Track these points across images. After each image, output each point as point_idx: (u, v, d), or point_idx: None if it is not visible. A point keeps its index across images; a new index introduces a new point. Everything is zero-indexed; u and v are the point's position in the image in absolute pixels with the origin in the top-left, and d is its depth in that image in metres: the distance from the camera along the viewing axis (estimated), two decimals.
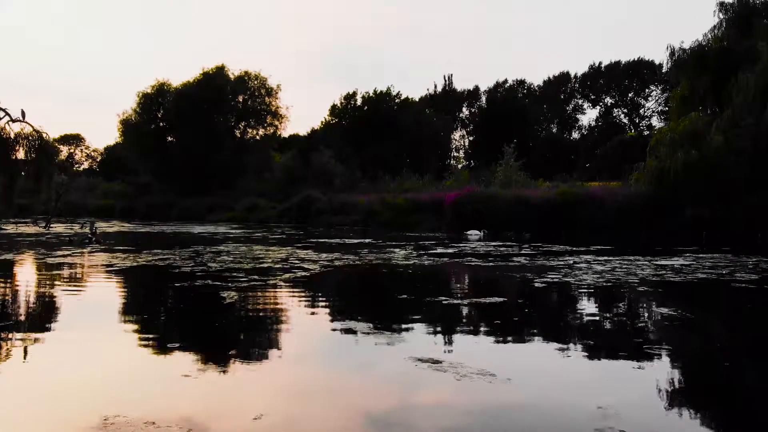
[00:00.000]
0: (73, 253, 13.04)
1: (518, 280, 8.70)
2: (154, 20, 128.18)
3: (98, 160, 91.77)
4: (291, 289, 7.80)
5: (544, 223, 23.27)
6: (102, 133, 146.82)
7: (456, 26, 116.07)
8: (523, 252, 13.36)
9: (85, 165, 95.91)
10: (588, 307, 6.80)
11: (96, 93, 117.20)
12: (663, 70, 27.04)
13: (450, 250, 13.86)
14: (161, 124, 50.14)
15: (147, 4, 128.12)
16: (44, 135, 23.36)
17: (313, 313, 6.20)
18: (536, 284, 7.99)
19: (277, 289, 7.71)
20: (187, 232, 23.80)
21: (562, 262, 10.90)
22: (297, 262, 10.83)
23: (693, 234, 20.61)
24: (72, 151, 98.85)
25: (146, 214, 44.03)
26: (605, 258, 11.70)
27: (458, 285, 9.08)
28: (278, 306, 6.72)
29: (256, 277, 8.56)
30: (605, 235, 21.77)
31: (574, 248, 14.48)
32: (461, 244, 16.03)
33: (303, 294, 7.56)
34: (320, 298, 7.42)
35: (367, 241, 17.85)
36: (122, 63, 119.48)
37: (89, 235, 17.30)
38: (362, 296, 7.77)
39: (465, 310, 6.20)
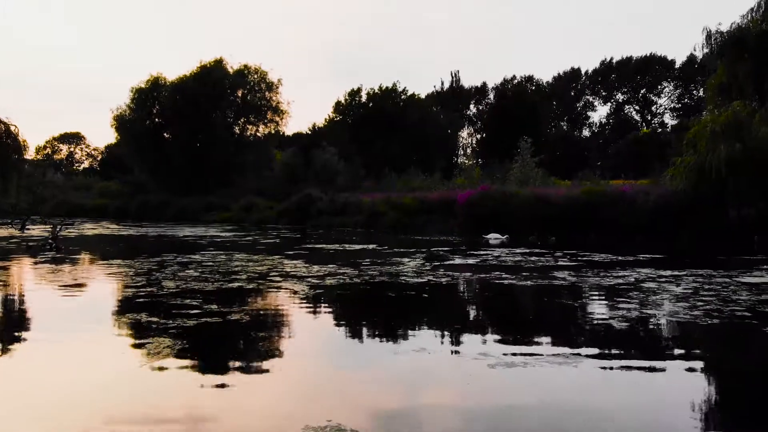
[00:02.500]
0: (18, 264, 10.71)
1: (583, 314, 6.23)
2: (155, 18, 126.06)
3: (99, 159, 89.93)
4: (248, 337, 5.40)
5: (569, 224, 20.78)
6: (104, 132, 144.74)
7: (462, 22, 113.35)
8: (561, 263, 10.88)
9: (86, 164, 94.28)
10: (732, 374, 4.36)
11: (98, 91, 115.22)
12: (698, 56, 24.31)
13: (470, 261, 11.43)
14: (156, 120, 47.80)
15: (150, 3, 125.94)
16: (12, 128, 21.03)
17: (269, 411, 3.78)
18: (614, 323, 5.53)
19: (227, 336, 5.30)
20: (172, 235, 21.47)
21: (620, 280, 8.46)
22: (278, 279, 8.44)
23: (741, 237, 18.13)
24: (72, 150, 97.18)
25: (140, 215, 41.89)
26: (670, 273, 9.24)
27: (498, 324, 6.41)
28: (219, 376, 4.34)
29: (213, 307, 6.16)
30: (641, 238, 19.31)
31: (620, 257, 12.03)
32: (481, 252, 13.60)
33: (263, 346, 5.14)
34: (289, 352, 5.00)
35: (370, 247, 15.45)
36: (125, 61, 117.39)
37: (50, 241, 15.01)
38: (354, 352, 5.00)
39: (533, 392, 3.78)
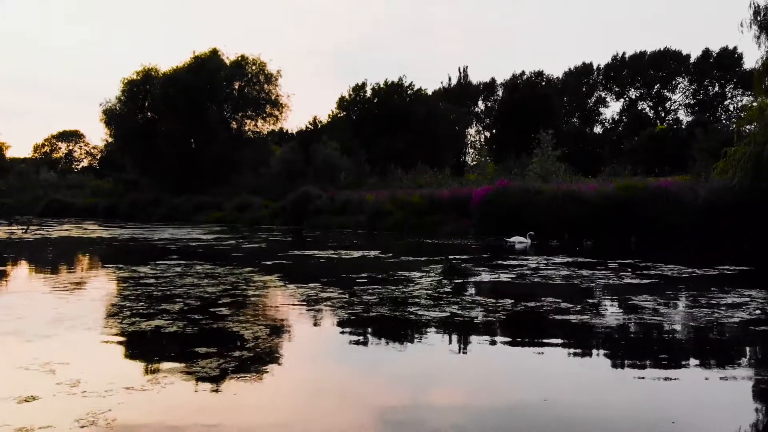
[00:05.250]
0: None
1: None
2: (159, 18, 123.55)
3: (98, 157, 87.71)
4: None
5: (603, 225, 17.92)
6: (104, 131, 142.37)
7: (467, 18, 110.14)
8: (627, 281, 8.01)
9: (84, 162, 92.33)
10: None
11: (99, 90, 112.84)
12: (743, 33, 21.34)
13: (502, 276, 8.58)
14: (149, 114, 45.11)
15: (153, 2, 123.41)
16: None
17: None
18: None
19: None
20: (147, 237, 18.74)
21: (741, 312, 5.61)
22: (224, 312, 5.62)
23: None
24: (71, 148, 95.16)
25: (129, 214, 39.39)
26: None
27: None
28: None
29: (58, 391, 3.39)
30: (690, 240, 16.49)
31: (696, 270, 9.18)
32: (511, 261, 10.76)
33: None
34: None
35: (372, 254, 12.64)
36: (126, 60, 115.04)
37: None
38: None
39: None
